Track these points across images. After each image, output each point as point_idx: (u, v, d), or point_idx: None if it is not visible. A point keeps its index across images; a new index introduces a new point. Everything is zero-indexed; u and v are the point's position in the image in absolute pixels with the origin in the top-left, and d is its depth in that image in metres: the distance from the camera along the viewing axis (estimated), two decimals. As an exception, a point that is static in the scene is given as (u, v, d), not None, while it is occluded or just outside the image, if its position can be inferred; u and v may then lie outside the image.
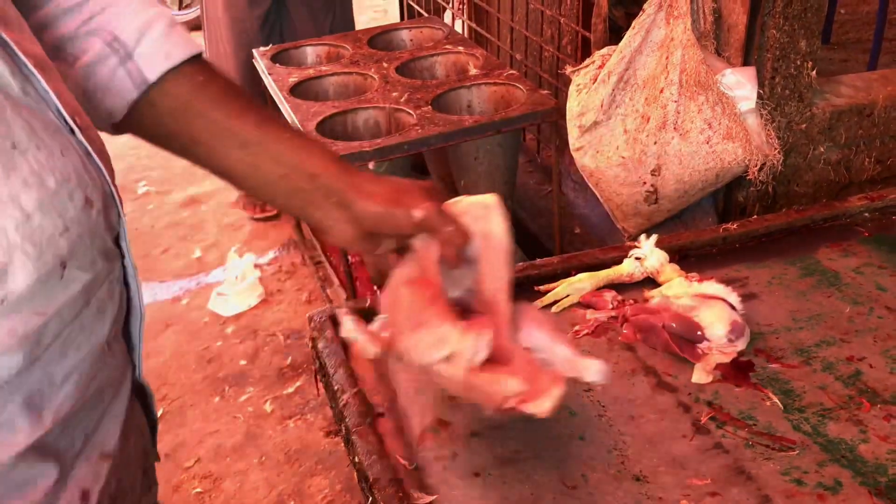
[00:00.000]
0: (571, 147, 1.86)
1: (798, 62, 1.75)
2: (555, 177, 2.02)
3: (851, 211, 1.28)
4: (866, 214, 1.28)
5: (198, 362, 2.52)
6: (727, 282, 1.10)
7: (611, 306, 1.09)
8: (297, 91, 2.17)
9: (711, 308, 1.02)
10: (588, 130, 1.84)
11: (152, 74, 0.80)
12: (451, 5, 3.24)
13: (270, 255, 3.03)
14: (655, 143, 1.73)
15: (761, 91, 1.71)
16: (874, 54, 3.40)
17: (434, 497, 0.83)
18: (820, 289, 1.13)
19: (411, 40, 2.54)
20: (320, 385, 1.03)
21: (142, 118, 0.81)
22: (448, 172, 2.20)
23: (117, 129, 0.83)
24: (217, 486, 2.08)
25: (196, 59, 0.81)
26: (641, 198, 1.83)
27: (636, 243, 1.16)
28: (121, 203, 0.70)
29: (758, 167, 1.69)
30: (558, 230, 2.07)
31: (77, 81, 0.80)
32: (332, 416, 0.89)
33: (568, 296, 1.11)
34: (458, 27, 3.03)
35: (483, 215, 0.82)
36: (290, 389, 2.38)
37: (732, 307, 1.03)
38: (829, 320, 1.07)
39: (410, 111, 1.97)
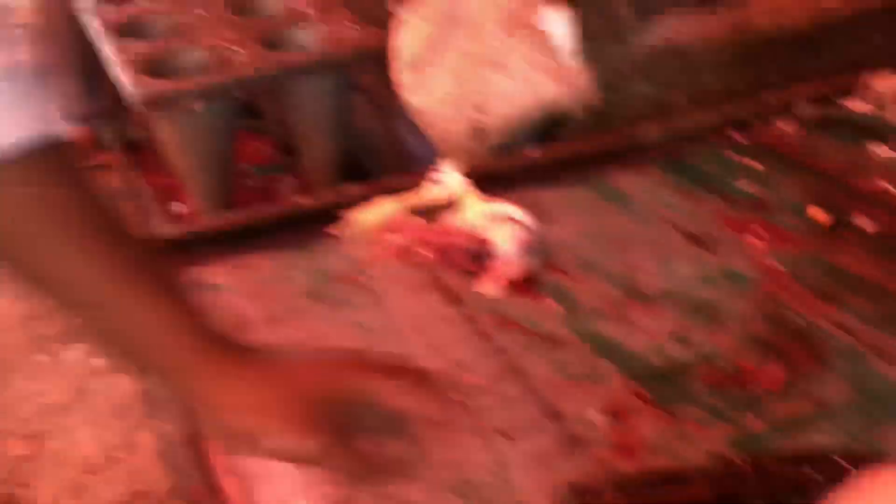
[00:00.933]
0: (400, 86, 1.89)
1: (615, 2, 1.81)
2: (386, 115, 2.05)
3: (646, 138, 1.36)
4: (660, 141, 1.36)
5: (20, 322, 2.43)
6: (525, 204, 1.15)
7: (411, 230, 1.12)
8: (124, 32, 2.10)
9: (503, 227, 1.07)
10: (415, 69, 1.86)
11: None
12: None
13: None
14: (479, 80, 1.77)
15: (579, 30, 1.77)
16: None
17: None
18: (610, 208, 1.20)
19: (247, -19, 2.49)
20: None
21: None
22: (283, 116, 2.18)
23: None
24: (42, 446, 2.03)
25: None
26: (468, 135, 1.87)
27: (438, 169, 1.20)
28: None
29: (576, 103, 1.75)
30: (389, 168, 2.09)
31: None
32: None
33: (372, 221, 1.14)
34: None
35: None
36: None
37: (524, 226, 1.09)
38: (614, 235, 1.14)
39: (239, 49, 1.95)
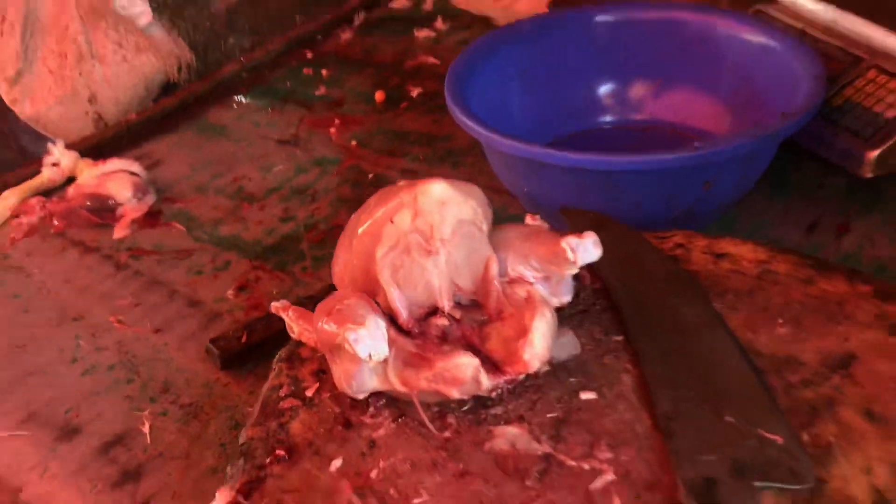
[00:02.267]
0: (8, 102, 1.94)
1: (179, -29, 1.97)
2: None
3: (230, 75, 1.55)
4: (244, 75, 1.57)
5: None
6: (136, 157, 1.32)
7: (38, 209, 1.24)
8: None
9: (115, 179, 1.23)
10: (15, 82, 1.92)
11: None
12: None
13: None
14: (81, 74, 1.88)
15: (155, 4, 1.92)
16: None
17: None
18: (212, 140, 1.39)
19: None
20: None
21: None
22: None
23: None
24: None
25: None
26: (92, 126, 1.97)
27: (50, 153, 1.33)
28: None
29: (176, 68, 1.91)
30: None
31: None
32: None
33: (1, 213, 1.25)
34: None
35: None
36: None
37: (134, 174, 1.25)
38: (220, 159, 1.33)
39: None
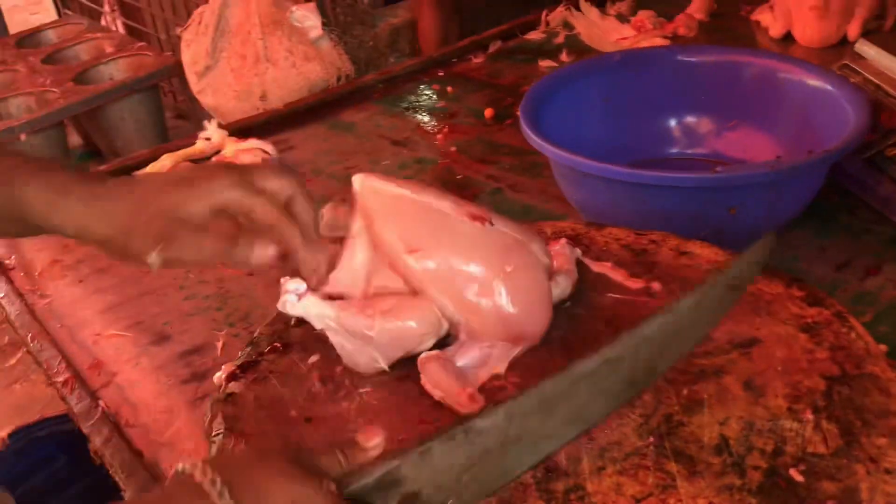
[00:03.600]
0: (194, 92, 2.26)
1: (356, -4, 2.24)
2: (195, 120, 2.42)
3: (368, 83, 1.78)
4: (379, 85, 1.78)
5: (-85, 363, 2.69)
6: (273, 141, 1.55)
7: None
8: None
9: (249, 154, 1.47)
10: (203, 75, 2.24)
11: None
12: (105, 7, 3.53)
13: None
14: (256, 74, 2.17)
15: (327, 20, 2.19)
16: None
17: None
18: (339, 135, 1.61)
19: (57, 37, 2.83)
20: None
21: None
22: (104, 137, 2.53)
23: None
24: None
25: None
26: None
27: (206, 126, 1.59)
28: None
29: (336, 78, 2.16)
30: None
31: None
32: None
33: (164, 165, 1.52)
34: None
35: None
36: (13, 361, 2.62)
37: (266, 152, 1.48)
38: (340, 151, 1.54)
39: (54, 89, 2.29)
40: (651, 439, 0.66)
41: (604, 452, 0.66)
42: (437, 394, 0.73)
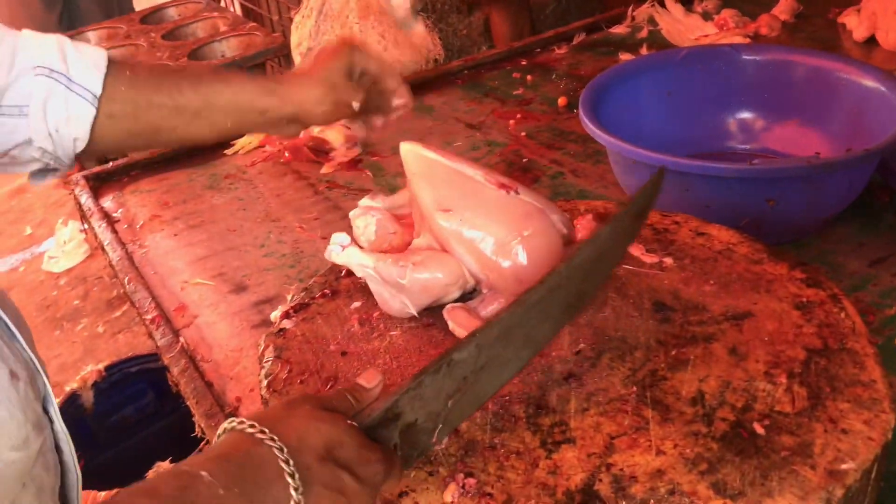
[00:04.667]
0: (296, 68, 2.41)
1: (452, -16, 2.34)
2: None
3: (453, 69, 1.88)
4: (464, 71, 1.88)
5: (38, 310, 2.96)
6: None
7: (276, 143, 1.64)
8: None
9: (333, 129, 1.59)
10: (305, 56, 2.38)
11: (97, 87, 0.84)
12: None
13: (94, 220, 3.47)
14: (354, 57, 2.29)
15: (423, 6, 2.30)
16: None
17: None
18: (418, 116, 1.72)
19: (178, 14, 3.03)
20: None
21: (104, 133, 0.86)
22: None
23: (84, 155, 0.88)
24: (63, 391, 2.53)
25: (110, 60, 0.88)
26: (355, 102, 2.40)
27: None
28: (44, 370, 0.69)
29: (426, 62, 2.27)
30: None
31: (37, 127, 0.83)
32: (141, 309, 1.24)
33: (251, 142, 1.66)
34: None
35: None
36: (118, 313, 2.85)
37: (348, 128, 1.61)
38: (417, 130, 1.65)
39: (170, 63, 2.48)
40: (634, 389, 0.74)
41: (590, 396, 0.74)
42: (463, 335, 0.83)
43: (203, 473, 0.56)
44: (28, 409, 0.63)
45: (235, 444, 0.60)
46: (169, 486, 0.56)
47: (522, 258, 0.83)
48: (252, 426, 0.61)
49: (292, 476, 0.58)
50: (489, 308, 0.85)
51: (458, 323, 0.83)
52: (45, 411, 0.68)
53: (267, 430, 0.60)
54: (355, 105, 0.98)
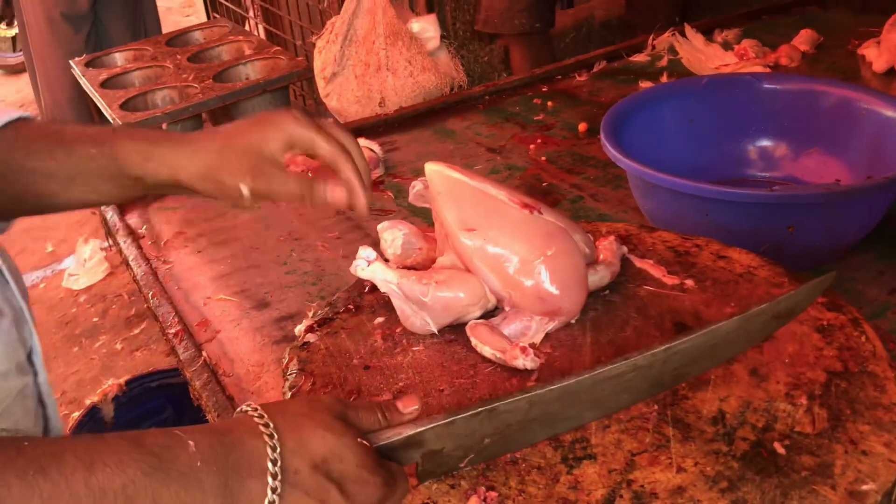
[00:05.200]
0: (321, 95, 2.44)
1: (471, 11, 2.38)
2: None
3: (475, 94, 1.90)
4: (486, 96, 1.91)
5: (57, 326, 2.98)
6: (380, 142, 1.70)
7: (300, 163, 1.65)
8: (108, 85, 2.68)
9: (356, 151, 1.61)
10: (330, 81, 2.41)
11: None
12: (249, 13, 3.80)
13: (114, 239, 3.51)
14: (377, 82, 2.33)
15: (446, 33, 2.33)
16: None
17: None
18: (440, 140, 1.74)
19: (204, 38, 3.08)
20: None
21: None
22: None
23: None
24: (81, 405, 2.55)
25: (10, 124, 0.83)
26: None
27: (321, 127, 1.74)
28: (33, 321, 0.71)
29: (449, 88, 2.30)
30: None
31: None
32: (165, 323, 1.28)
33: (275, 164, 1.68)
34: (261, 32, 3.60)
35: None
36: (137, 331, 2.87)
37: (372, 150, 1.63)
38: (439, 154, 1.67)
39: (195, 85, 2.51)
40: (655, 407, 0.75)
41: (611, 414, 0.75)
42: (486, 350, 0.84)
43: (190, 442, 0.57)
44: (9, 346, 0.66)
45: (236, 427, 0.62)
46: (155, 441, 0.57)
47: (545, 277, 0.84)
48: (260, 416, 0.62)
49: (274, 476, 0.60)
50: (510, 326, 0.86)
51: (481, 339, 0.85)
52: (31, 362, 0.71)
53: (270, 424, 0.62)
54: (244, 190, 0.84)
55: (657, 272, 0.92)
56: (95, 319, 2.99)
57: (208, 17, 3.98)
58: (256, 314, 1.24)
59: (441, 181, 0.91)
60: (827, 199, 1.11)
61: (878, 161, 1.27)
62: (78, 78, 2.87)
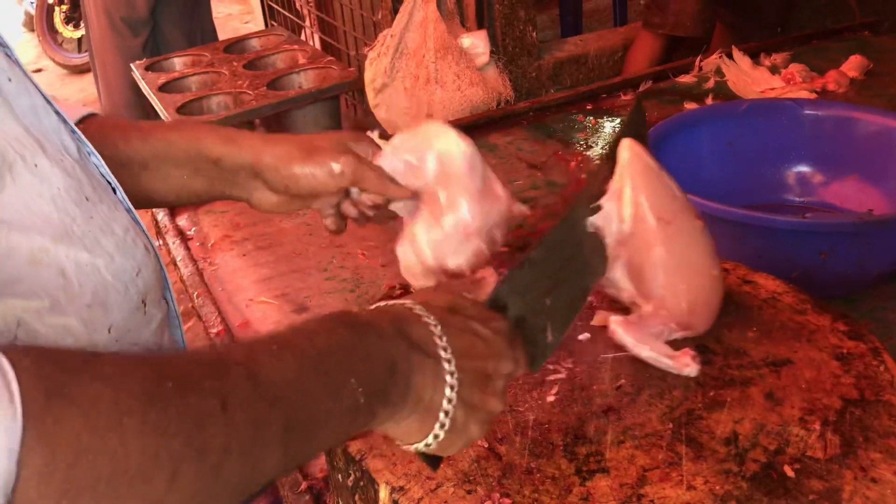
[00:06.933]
0: (371, 106, 2.49)
1: (521, 27, 2.41)
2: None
3: (520, 109, 1.93)
4: (530, 112, 1.94)
5: (108, 321, 3.07)
6: (424, 155, 1.73)
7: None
8: (165, 89, 2.76)
9: (400, 163, 1.65)
10: (380, 92, 2.46)
11: None
12: (305, 22, 3.88)
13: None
14: (426, 94, 2.37)
15: (495, 49, 2.36)
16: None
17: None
18: (483, 154, 1.76)
19: (260, 45, 3.15)
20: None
21: None
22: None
23: None
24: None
25: (84, 119, 0.84)
26: (424, 138, 2.47)
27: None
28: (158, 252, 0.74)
29: (496, 103, 2.33)
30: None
31: None
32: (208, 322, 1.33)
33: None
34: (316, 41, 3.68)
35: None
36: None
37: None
38: (481, 168, 1.70)
39: (250, 92, 2.58)
40: (670, 425, 0.77)
41: (627, 430, 0.77)
42: (644, 352, 0.85)
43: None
44: (160, 277, 0.72)
45: (403, 316, 0.64)
46: (352, 318, 0.62)
47: (706, 294, 0.88)
48: (423, 311, 0.64)
49: (431, 323, 0.64)
50: (648, 326, 0.87)
51: (639, 339, 0.86)
52: (165, 298, 0.75)
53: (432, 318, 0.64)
54: (336, 168, 0.86)
55: (682, 294, 0.94)
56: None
57: (266, 25, 4.07)
58: (296, 317, 1.29)
59: (638, 163, 0.87)
60: (858, 228, 1.12)
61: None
62: (137, 81, 2.96)
